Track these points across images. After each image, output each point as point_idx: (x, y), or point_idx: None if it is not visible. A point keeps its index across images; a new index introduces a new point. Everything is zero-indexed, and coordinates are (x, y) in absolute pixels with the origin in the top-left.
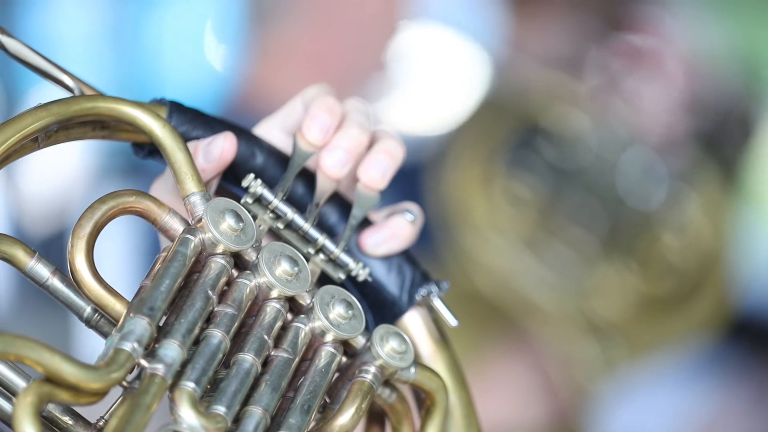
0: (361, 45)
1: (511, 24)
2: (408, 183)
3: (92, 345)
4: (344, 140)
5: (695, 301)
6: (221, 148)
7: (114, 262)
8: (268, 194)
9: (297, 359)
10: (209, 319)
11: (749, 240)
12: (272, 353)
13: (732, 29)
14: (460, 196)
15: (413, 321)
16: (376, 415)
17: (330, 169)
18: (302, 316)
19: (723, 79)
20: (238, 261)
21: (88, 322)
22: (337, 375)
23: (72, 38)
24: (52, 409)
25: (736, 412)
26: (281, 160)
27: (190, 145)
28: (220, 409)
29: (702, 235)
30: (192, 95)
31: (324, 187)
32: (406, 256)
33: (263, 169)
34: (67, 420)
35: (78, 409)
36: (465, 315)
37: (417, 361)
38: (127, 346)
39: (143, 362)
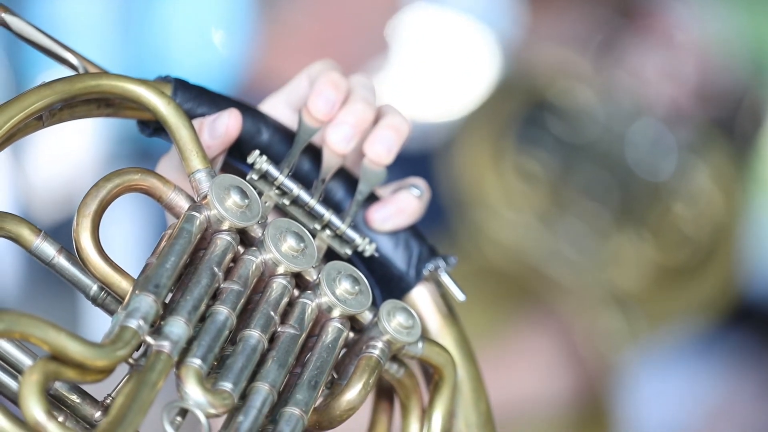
0: (367, 28)
1: (524, 11)
2: (419, 164)
3: (100, 325)
4: (350, 115)
5: (710, 269)
6: (226, 124)
7: (124, 242)
8: (273, 170)
9: (304, 335)
10: (215, 296)
11: (759, 228)
12: (279, 329)
13: (742, 18)
14: (471, 175)
15: (421, 296)
16: (384, 391)
17: (336, 145)
18: (309, 291)
19: (733, 68)
20: (244, 237)
21: (94, 300)
22: (344, 351)
23: (80, 23)
24: (59, 387)
25: (743, 400)
26: (287, 136)
27: (195, 122)
28: (227, 385)
29: (713, 203)
30: (199, 79)
31: (330, 162)
32: (413, 231)
33: (269, 146)
34: (74, 398)
35: (85, 387)
36: (486, 290)
37: (425, 336)
38: (133, 324)
39: (149, 339)
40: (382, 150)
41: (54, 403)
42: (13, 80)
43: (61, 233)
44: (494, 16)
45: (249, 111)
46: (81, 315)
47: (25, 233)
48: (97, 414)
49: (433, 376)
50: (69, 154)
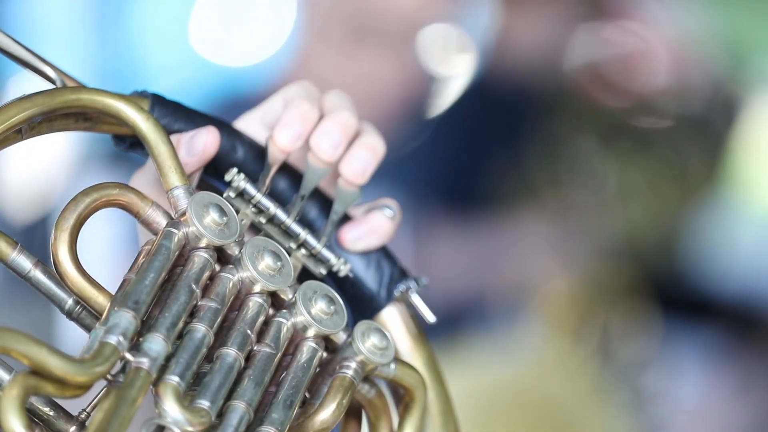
0: None
1: (498, 11)
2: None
3: (74, 337)
4: (334, 123)
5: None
6: (204, 142)
7: (91, 259)
8: (251, 188)
9: (279, 354)
10: (192, 314)
11: (734, 226)
12: (255, 348)
13: (717, 15)
14: None
15: (391, 317)
16: (353, 411)
17: (322, 153)
18: (284, 311)
19: (708, 64)
20: (221, 255)
21: (69, 314)
22: (317, 371)
23: (54, 28)
24: (33, 401)
25: (720, 400)
26: (261, 154)
27: (173, 138)
28: (204, 403)
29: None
30: (176, 85)
31: (312, 177)
32: (385, 252)
33: (243, 163)
34: (48, 411)
35: (59, 402)
36: None
37: (396, 357)
38: (113, 340)
39: (128, 356)
40: (357, 169)
41: (29, 416)
42: None
43: (35, 234)
44: (468, 16)
45: (225, 128)
46: (54, 327)
47: (2, 246)
48: (72, 429)
49: (403, 397)
50: (42, 154)
